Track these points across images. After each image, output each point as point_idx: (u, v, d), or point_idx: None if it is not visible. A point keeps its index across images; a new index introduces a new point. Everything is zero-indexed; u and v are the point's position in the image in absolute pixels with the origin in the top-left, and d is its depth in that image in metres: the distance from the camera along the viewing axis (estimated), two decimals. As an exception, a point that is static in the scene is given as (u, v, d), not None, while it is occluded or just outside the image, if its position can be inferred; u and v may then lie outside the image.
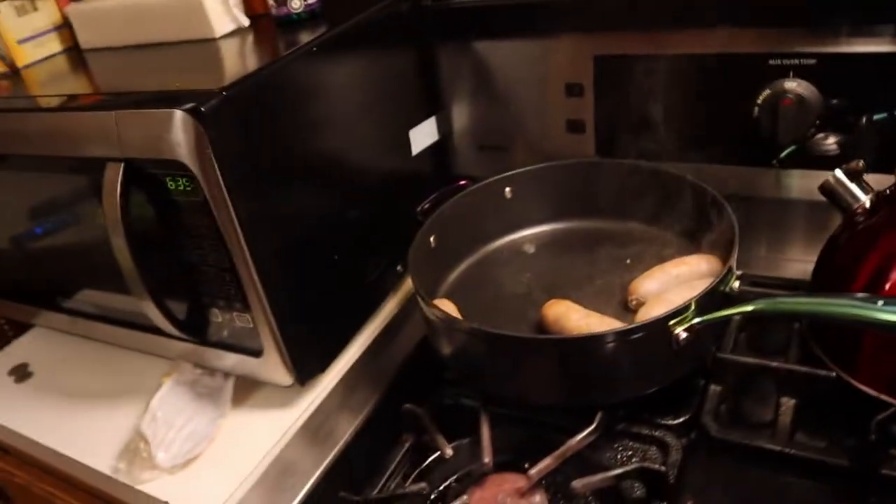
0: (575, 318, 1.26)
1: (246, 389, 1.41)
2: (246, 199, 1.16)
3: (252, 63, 1.34)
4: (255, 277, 1.20)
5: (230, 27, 1.44)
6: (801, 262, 1.46)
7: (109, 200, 1.19)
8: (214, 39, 1.43)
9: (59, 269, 1.55)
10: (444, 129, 1.65)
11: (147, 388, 1.41)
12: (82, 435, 1.42)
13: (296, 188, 1.29)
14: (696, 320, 1.13)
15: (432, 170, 1.66)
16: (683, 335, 1.12)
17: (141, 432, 1.31)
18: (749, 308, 1.12)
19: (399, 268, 1.55)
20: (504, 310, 1.40)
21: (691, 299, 1.13)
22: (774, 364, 1.21)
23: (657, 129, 1.45)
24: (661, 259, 1.42)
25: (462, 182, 1.51)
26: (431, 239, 1.43)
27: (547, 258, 1.51)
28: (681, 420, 1.21)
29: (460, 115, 1.65)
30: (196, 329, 1.35)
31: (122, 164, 1.18)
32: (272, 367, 1.31)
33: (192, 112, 1.09)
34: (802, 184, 1.38)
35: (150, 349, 1.48)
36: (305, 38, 1.33)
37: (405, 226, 1.46)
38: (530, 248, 1.55)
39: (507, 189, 1.53)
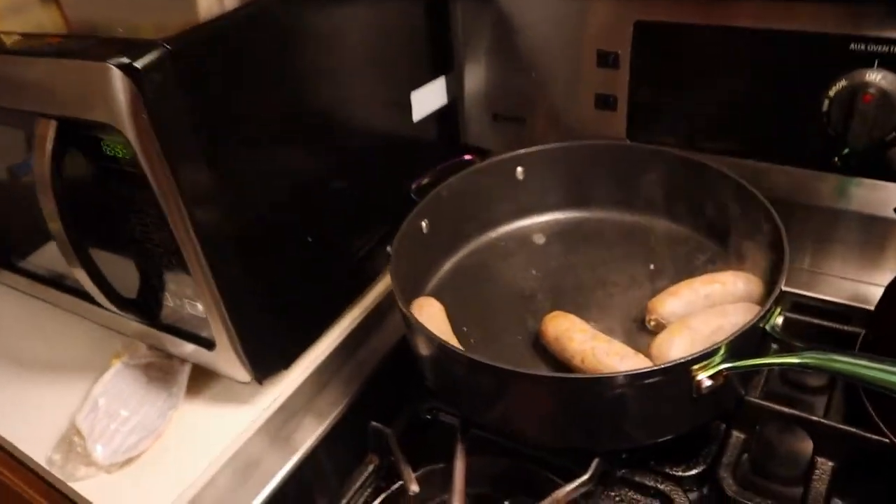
0: (579, 339, 1.02)
1: (203, 378, 1.21)
2: (193, 171, 0.94)
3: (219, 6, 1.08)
4: (203, 262, 0.99)
5: (216, 10, 1.17)
6: (851, 282, 1.22)
7: (38, 160, 0.98)
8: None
9: (14, 226, 1.34)
10: (454, 92, 1.39)
11: (101, 364, 1.22)
12: (24, 413, 1.22)
13: (262, 158, 1.05)
14: (725, 366, 0.90)
15: (437, 140, 1.41)
16: (707, 383, 0.89)
17: (76, 425, 1.12)
18: (794, 360, 0.88)
19: (389, 248, 1.32)
20: (500, 314, 1.17)
21: (722, 342, 0.89)
22: (815, 418, 0.98)
23: (701, 114, 1.19)
24: (691, 268, 1.18)
25: (467, 157, 1.27)
26: (423, 223, 1.20)
27: (558, 253, 1.27)
28: (693, 472, 0.99)
29: (474, 78, 1.38)
30: (145, 310, 1.14)
31: (55, 122, 0.96)
32: (227, 362, 1.11)
33: (125, 69, 0.85)
34: (868, 195, 1.11)
35: (107, 323, 1.28)
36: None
37: (398, 203, 1.22)
38: (540, 239, 1.31)
39: (519, 169, 1.29)
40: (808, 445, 0.98)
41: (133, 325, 1.20)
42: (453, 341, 1.07)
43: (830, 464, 0.97)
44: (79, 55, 0.90)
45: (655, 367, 0.88)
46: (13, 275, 1.40)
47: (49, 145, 0.97)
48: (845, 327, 1.10)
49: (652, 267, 1.19)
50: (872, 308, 1.09)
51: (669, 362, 0.88)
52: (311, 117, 1.13)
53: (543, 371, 1.05)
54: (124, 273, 1.14)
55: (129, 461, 1.11)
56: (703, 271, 1.17)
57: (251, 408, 1.16)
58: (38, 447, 1.15)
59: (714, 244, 1.21)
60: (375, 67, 1.22)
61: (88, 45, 0.96)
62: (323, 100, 1.14)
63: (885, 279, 1.10)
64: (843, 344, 1.09)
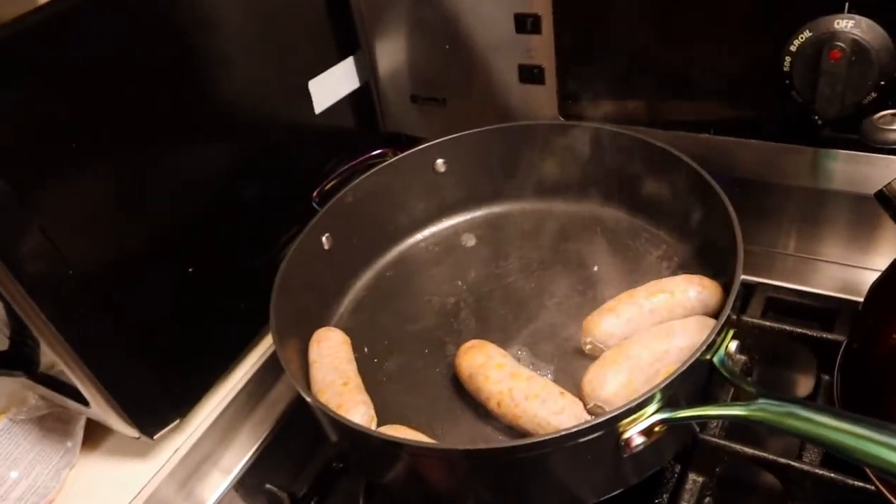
0: (494, 378, 0.81)
1: (102, 429, 1.02)
2: (6, 219, 0.74)
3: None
4: (43, 319, 0.79)
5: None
6: (839, 267, 0.99)
7: None
8: None
9: None
10: (366, 74, 1.15)
11: (-6, 415, 1.05)
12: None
13: (107, 176, 0.83)
14: (658, 418, 0.68)
15: (354, 130, 1.18)
16: (638, 441, 0.68)
17: (-51, 499, 0.95)
18: (741, 413, 0.66)
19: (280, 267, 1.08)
20: (418, 341, 0.96)
21: (654, 389, 0.67)
22: (784, 461, 0.75)
23: (642, 82, 0.94)
24: (643, 268, 0.96)
25: (377, 152, 1.03)
26: (324, 238, 0.98)
27: (488, 257, 1.05)
28: (641, 529, 0.79)
29: (387, 57, 1.13)
30: (17, 364, 0.96)
31: None
32: (109, 419, 0.92)
33: None
34: (851, 171, 0.86)
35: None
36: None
37: (307, 214, 1.01)
38: (469, 241, 1.08)
39: (439, 161, 1.06)
40: (779, 492, 0.77)
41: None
42: (353, 381, 0.86)
43: (806, 513, 0.76)
44: None
45: (563, 433, 0.66)
46: None
47: None
48: (825, 335, 0.86)
49: (595, 269, 0.97)
50: (861, 300, 0.86)
51: (583, 424, 0.66)
52: (182, 116, 0.91)
53: (460, 421, 0.84)
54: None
55: (16, 533, 0.96)
56: (655, 272, 0.95)
57: (149, 462, 0.98)
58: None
59: (669, 237, 0.98)
60: (259, 56, 0.99)
61: None
62: (197, 94, 0.92)
63: (876, 263, 0.87)
64: (823, 356, 0.86)
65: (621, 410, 0.67)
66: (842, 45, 0.75)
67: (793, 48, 0.80)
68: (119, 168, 0.84)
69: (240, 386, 1.03)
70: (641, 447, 0.68)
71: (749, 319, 0.90)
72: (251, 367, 1.04)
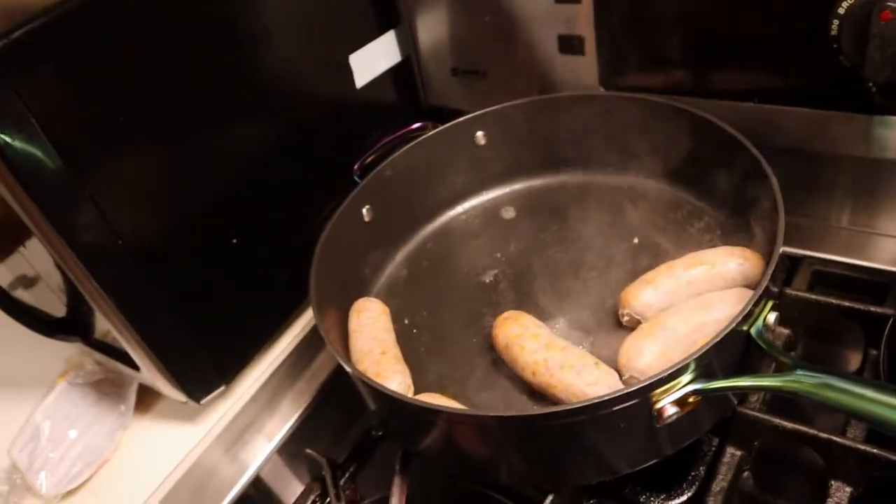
0: (530, 348, 0.81)
1: (153, 394, 1.06)
2: (61, 190, 0.77)
3: None
4: (98, 289, 0.83)
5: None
6: (891, 240, 0.94)
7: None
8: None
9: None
10: (407, 48, 1.15)
11: (50, 379, 1.10)
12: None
13: (156, 152, 0.86)
14: (692, 388, 0.67)
15: (395, 104, 1.18)
16: (671, 410, 0.67)
17: (12, 458, 1.00)
18: (777, 384, 0.65)
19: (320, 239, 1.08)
20: (456, 311, 0.96)
21: (688, 358, 0.66)
22: (825, 436, 0.74)
23: (686, 50, 0.92)
24: (684, 240, 0.94)
25: (417, 125, 1.04)
26: (364, 210, 0.99)
27: (528, 230, 1.04)
28: (677, 502, 0.78)
29: (427, 31, 1.13)
30: (73, 330, 1.00)
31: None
32: (157, 382, 0.95)
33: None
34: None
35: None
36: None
37: (348, 187, 1.02)
38: (509, 213, 1.08)
39: (479, 133, 1.05)
40: (820, 468, 0.75)
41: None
42: (391, 351, 0.88)
43: (847, 489, 0.73)
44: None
45: (596, 401, 0.65)
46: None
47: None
48: (872, 308, 0.83)
49: (636, 241, 0.95)
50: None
51: (615, 392, 0.65)
52: (226, 94, 0.92)
53: (495, 392, 0.85)
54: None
55: (74, 490, 1.00)
56: (697, 244, 0.93)
57: (197, 426, 1.01)
58: (-10, 476, 1.06)
59: (712, 209, 0.95)
60: (303, 29, 1.00)
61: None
62: (239, 71, 0.93)
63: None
64: (871, 330, 0.83)
65: (654, 380, 0.66)
66: (893, 4, 0.72)
67: (841, 10, 0.77)
68: (165, 142, 0.87)
69: (284, 356, 1.06)
70: (674, 417, 0.67)
71: (793, 292, 0.88)
72: (295, 337, 1.07)
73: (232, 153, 0.95)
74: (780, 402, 0.81)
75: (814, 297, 0.86)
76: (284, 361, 1.05)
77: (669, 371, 0.66)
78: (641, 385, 0.66)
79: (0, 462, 1.05)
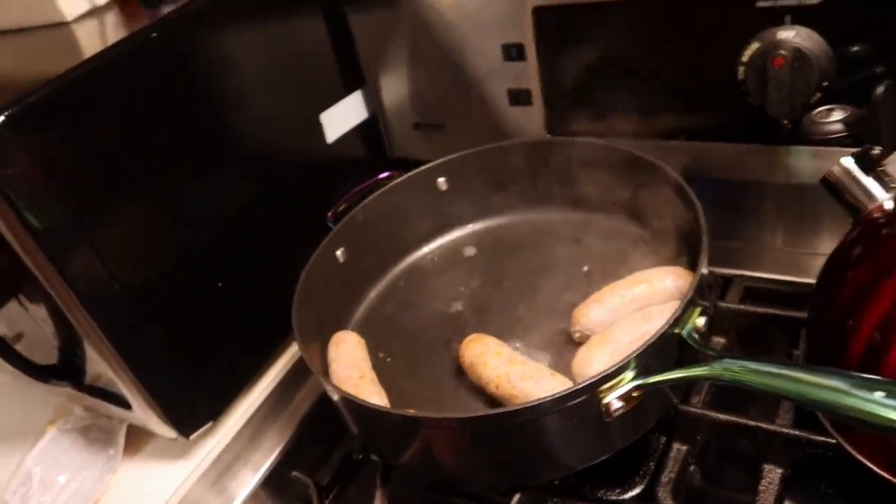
0: (492, 364, 0.92)
1: (141, 435, 1.14)
2: (66, 241, 0.87)
3: (73, 59, 0.98)
4: (97, 330, 0.92)
5: (83, 8, 1.10)
6: (812, 256, 1.07)
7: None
8: (66, 23, 1.10)
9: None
10: (373, 106, 1.29)
11: (40, 426, 1.17)
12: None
13: (151, 205, 0.97)
14: (635, 384, 0.78)
15: (363, 157, 1.31)
16: (618, 405, 0.78)
17: (5, 501, 1.06)
18: (702, 372, 0.77)
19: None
20: (424, 340, 1.07)
21: (628, 357, 0.78)
22: (754, 423, 0.85)
23: (619, 98, 1.06)
24: (628, 265, 1.06)
25: (384, 175, 1.16)
26: (339, 252, 1.10)
27: (487, 264, 1.16)
28: (631, 495, 0.88)
29: (391, 89, 1.27)
30: (65, 374, 1.08)
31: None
32: (148, 421, 1.04)
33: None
34: (815, 165, 0.97)
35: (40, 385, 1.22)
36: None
37: (321, 234, 1.13)
38: (470, 251, 1.20)
39: (441, 179, 1.18)
40: (754, 454, 0.86)
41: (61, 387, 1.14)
42: (368, 376, 0.98)
43: (778, 471, 0.84)
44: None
45: (550, 397, 0.76)
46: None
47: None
48: (790, 313, 0.96)
49: (585, 269, 1.08)
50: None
51: (566, 389, 0.77)
52: (209, 152, 1.04)
53: (463, 407, 0.95)
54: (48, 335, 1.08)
55: (66, 532, 1.07)
56: (641, 266, 1.05)
57: (184, 463, 1.08)
58: (-19, 520, 1.11)
59: (650, 235, 1.08)
60: (276, 93, 1.13)
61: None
62: (221, 132, 1.05)
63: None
64: (793, 333, 0.96)
65: (599, 377, 0.77)
66: (784, 52, 0.87)
67: (744, 59, 0.92)
68: (156, 194, 0.97)
69: (267, 392, 1.14)
70: (621, 411, 0.78)
71: (725, 305, 1.01)
72: (278, 373, 1.16)
73: (215, 203, 1.06)
74: (720, 400, 0.93)
75: (742, 307, 0.99)
76: (268, 397, 1.13)
77: (613, 369, 0.78)
78: (589, 381, 0.77)
79: (-4, 501, 1.12)
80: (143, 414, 1.03)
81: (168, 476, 1.08)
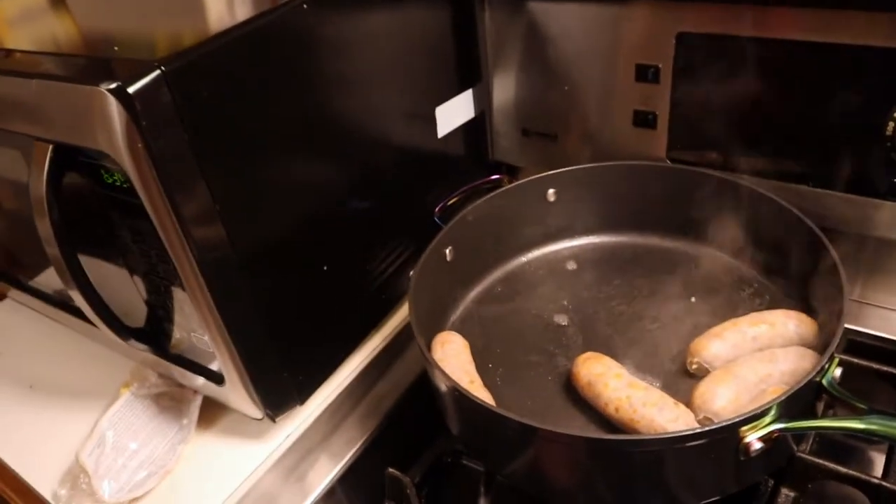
0: (613, 385, 0.92)
1: (214, 409, 1.13)
2: (194, 201, 0.85)
3: (230, 16, 0.98)
4: (208, 297, 0.90)
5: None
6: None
7: (35, 184, 0.90)
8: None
9: (26, 244, 1.27)
10: (482, 105, 1.28)
11: (112, 390, 1.16)
12: (33, 442, 1.15)
13: (274, 178, 0.95)
14: (777, 427, 0.79)
15: (463, 156, 1.30)
16: (757, 445, 0.79)
17: (80, 461, 1.04)
18: (857, 426, 0.77)
19: (412, 273, 1.22)
20: (528, 350, 1.07)
21: (773, 401, 0.78)
22: (875, 481, 0.86)
23: (749, 135, 1.07)
24: (735, 303, 1.07)
25: (495, 177, 1.16)
26: (447, 251, 1.10)
27: (590, 281, 1.17)
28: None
29: (503, 91, 1.26)
30: (151, 340, 1.06)
31: (51, 147, 0.88)
32: (238, 398, 1.02)
33: (117, 93, 0.76)
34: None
35: (117, 348, 1.20)
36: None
37: (421, 224, 1.13)
38: (571, 265, 1.20)
39: (551, 190, 1.18)
40: (868, 507, 0.88)
41: (139, 352, 1.12)
42: (477, 381, 0.98)
43: (893, 531, 0.86)
44: (70, 77, 0.82)
45: (700, 430, 0.77)
46: (25, 294, 1.33)
47: (45, 171, 0.89)
48: (904, 373, 0.98)
49: (693, 300, 1.08)
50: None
51: (715, 424, 0.77)
52: (329, 133, 1.03)
53: (574, 425, 0.95)
54: (135, 300, 1.06)
55: (136, 499, 1.05)
56: (749, 307, 1.07)
57: (263, 444, 1.07)
58: (45, 479, 1.09)
59: (761, 277, 1.10)
60: (398, 80, 1.12)
61: (82, 64, 0.89)
62: (342, 114, 1.04)
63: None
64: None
65: (745, 416, 0.78)
66: (944, 117, 0.88)
67: (897, 115, 0.93)
68: (279, 168, 0.96)
69: (349, 381, 1.13)
70: (759, 452, 0.79)
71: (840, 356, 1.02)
72: (360, 362, 1.15)
73: (329, 185, 1.05)
74: (829, 448, 0.94)
75: (856, 360, 1.00)
76: (348, 387, 1.13)
77: (757, 411, 0.78)
78: (734, 420, 0.78)
79: (57, 467, 1.10)
80: (233, 390, 1.02)
81: (244, 455, 1.07)
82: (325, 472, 1.08)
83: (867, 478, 0.86)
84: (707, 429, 0.77)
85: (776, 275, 1.07)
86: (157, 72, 0.79)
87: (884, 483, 0.86)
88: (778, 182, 1.07)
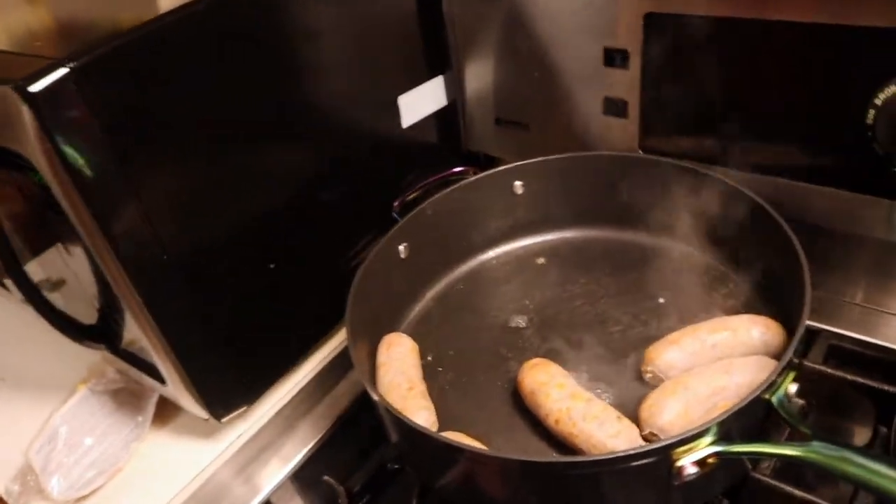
0: (554, 396, 0.86)
1: (172, 408, 1.11)
2: (117, 205, 0.83)
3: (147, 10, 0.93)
4: (138, 299, 0.88)
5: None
6: (913, 323, 1.00)
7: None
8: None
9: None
10: (453, 93, 1.22)
11: (71, 384, 1.15)
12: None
13: (209, 180, 0.92)
14: (713, 450, 0.72)
15: (437, 145, 1.25)
16: (691, 470, 0.72)
17: (28, 459, 1.04)
18: (796, 453, 0.70)
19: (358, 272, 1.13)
20: (481, 354, 1.02)
21: (711, 422, 0.72)
22: (834, 508, 0.79)
23: (724, 123, 0.99)
24: (707, 304, 1.00)
25: (459, 169, 1.10)
26: (402, 247, 1.05)
27: (557, 280, 1.10)
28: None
29: (475, 79, 1.20)
30: (102, 337, 1.05)
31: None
32: (181, 397, 1.00)
33: (21, 92, 0.74)
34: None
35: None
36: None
37: (385, 221, 1.08)
38: (540, 261, 1.14)
39: (518, 182, 1.12)
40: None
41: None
42: (418, 388, 0.93)
43: (857, 563, 0.78)
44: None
45: (621, 454, 0.71)
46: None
47: (-25, 171, 0.88)
48: (886, 387, 0.88)
49: (661, 301, 1.02)
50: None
51: (642, 447, 0.71)
52: (272, 125, 0.98)
53: (516, 437, 0.90)
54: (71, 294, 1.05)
55: (84, 497, 1.04)
56: (721, 309, 0.99)
57: (214, 444, 1.05)
58: (3, 472, 1.09)
59: (736, 276, 1.02)
60: (351, 68, 1.07)
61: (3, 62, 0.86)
62: (286, 105, 0.99)
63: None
64: (883, 407, 0.89)
65: (677, 439, 0.72)
66: (928, 102, 0.79)
67: (878, 101, 0.84)
68: (216, 164, 0.93)
69: (304, 381, 1.10)
70: (693, 477, 0.73)
71: (809, 364, 0.93)
72: (319, 363, 1.12)
73: (276, 180, 1.01)
74: (790, 471, 0.86)
75: (829, 370, 0.92)
76: (304, 388, 1.09)
77: (693, 432, 0.72)
78: (666, 443, 0.72)
79: (14, 461, 1.10)
80: (175, 391, 1.00)
81: (195, 454, 1.05)
82: (276, 472, 1.05)
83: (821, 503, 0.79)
84: (631, 452, 0.71)
85: (750, 274, 0.99)
86: (65, 69, 0.76)
87: (847, 512, 0.79)
88: (755, 175, 0.99)
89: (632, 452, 0.71)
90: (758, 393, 0.73)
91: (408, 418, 0.82)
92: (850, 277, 1.05)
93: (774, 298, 0.95)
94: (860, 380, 0.90)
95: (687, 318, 0.97)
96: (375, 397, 0.84)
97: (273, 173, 1.00)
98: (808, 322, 0.99)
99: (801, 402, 0.93)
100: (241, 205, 0.97)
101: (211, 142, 0.91)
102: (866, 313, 1.04)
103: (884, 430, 0.89)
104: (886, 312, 1.03)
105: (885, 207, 0.92)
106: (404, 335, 1.01)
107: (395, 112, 1.14)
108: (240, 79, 0.92)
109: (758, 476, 0.83)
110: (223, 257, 0.96)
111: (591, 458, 0.74)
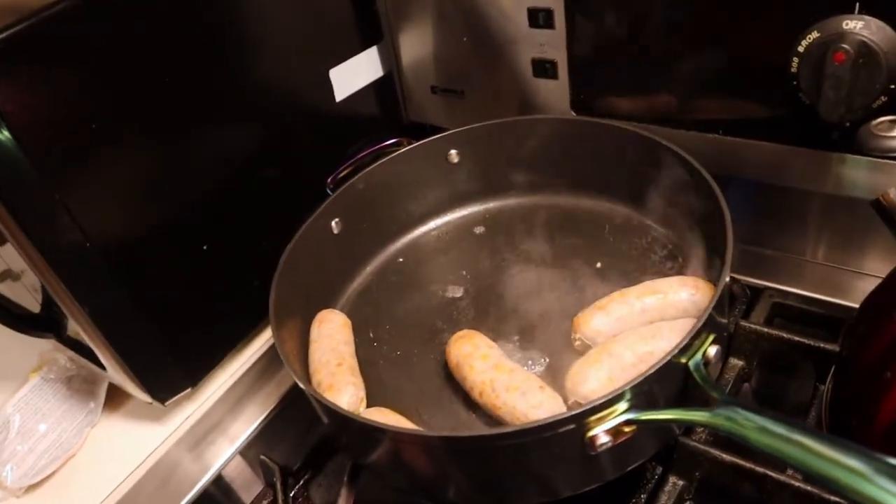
0: (479, 368, 0.82)
1: (121, 393, 1.07)
2: (30, 196, 0.78)
3: None
4: (65, 289, 0.84)
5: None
6: (854, 275, 0.94)
7: None
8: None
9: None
10: (389, 64, 1.16)
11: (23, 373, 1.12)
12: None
13: (131, 165, 0.87)
14: (626, 418, 0.67)
15: (377, 118, 1.19)
16: (604, 439, 0.67)
17: (-22, 448, 1.02)
18: (700, 418, 0.65)
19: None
20: (415, 327, 0.97)
21: (623, 387, 0.66)
22: (762, 470, 0.73)
23: (654, 80, 0.92)
24: (645, 266, 0.95)
25: (391, 141, 1.04)
26: (334, 223, 1.00)
27: (497, 246, 1.05)
28: (615, 529, 0.78)
29: (410, 47, 1.13)
30: (46, 327, 1.01)
31: None
32: (123, 382, 0.97)
33: None
34: (858, 176, 0.83)
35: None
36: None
37: (322, 198, 1.03)
38: (480, 230, 1.08)
39: (453, 151, 1.06)
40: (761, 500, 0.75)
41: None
42: (347, 363, 0.88)
43: (787, 525, 0.73)
44: None
45: (529, 426, 0.66)
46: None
47: None
48: (821, 344, 0.82)
49: (598, 265, 0.96)
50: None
51: (548, 419, 0.66)
52: (203, 102, 0.93)
53: (446, 410, 0.86)
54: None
55: (38, 483, 1.02)
56: (660, 271, 0.93)
57: (162, 427, 1.02)
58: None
59: (674, 237, 0.96)
60: (285, 42, 1.01)
61: None
62: (218, 80, 0.94)
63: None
64: (821, 365, 0.83)
65: (587, 408, 0.67)
66: (846, 47, 0.72)
67: (800, 49, 0.77)
68: (139, 147, 0.88)
69: (252, 360, 1.06)
70: (607, 446, 0.68)
71: (748, 325, 0.88)
72: (265, 342, 1.08)
73: (206, 160, 0.96)
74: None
75: (766, 330, 0.86)
76: (253, 366, 1.06)
77: (604, 399, 0.67)
78: (575, 412, 0.67)
79: (-24, 446, 1.08)
80: (117, 376, 0.97)
81: (146, 437, 1.02)
82: (223, 450, 1.02)
83: (752, 467, 0.74)
84: (539, 424, 0.66)
85: (688, 234, 0.92)
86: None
87: (770, 474, 0.73)
88: (687, 131, 0.92)
89: (540, 424, 0.66)
90: (668, 357, 0.68)
91: (329, 400, 0.77)
92: (805, 234, 0.98)
93: (716, 259, 0.89)
94: (797, 338, 0.84)
95: (624, 282, 0.90)
96: (298, 381, 0.80)
97: (200, 154, 0.95)
98: (750, 279, 0.96)
99: (740, 363, 0.90)
100: (168, 187, 0.92)
101: (132, 126, 0.86)
102: (820, 269, 0.98)
103: (821, 387, 0.83)
104: (840, 268, 0.98)
105: (821, 159, 0.86)
106: (336, 311, 0.96)
107: (328, 86, 1.08)
108: (159, 59, 0.86)
109: (687, 441, 0.79)
110: (151, 242, 0.91)
111: (500, 431, 0.69)
